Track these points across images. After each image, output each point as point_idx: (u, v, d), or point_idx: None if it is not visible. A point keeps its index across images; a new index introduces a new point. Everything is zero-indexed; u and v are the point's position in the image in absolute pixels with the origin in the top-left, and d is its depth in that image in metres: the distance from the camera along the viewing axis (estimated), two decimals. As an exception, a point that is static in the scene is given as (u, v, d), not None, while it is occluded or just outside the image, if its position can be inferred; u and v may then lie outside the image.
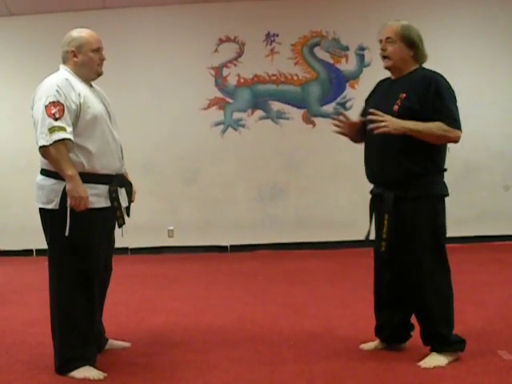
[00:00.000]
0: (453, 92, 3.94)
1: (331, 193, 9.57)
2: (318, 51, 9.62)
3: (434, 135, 3.84)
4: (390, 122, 3.79)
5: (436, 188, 3.98)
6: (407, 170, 3.89)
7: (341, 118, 4.30)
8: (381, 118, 3.81)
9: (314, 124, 9.62)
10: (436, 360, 3.90)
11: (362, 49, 9.52)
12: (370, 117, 3.89)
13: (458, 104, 3.94)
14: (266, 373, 3.85)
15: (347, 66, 9.60)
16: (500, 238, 9.38)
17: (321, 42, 9.60)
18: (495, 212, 9.42)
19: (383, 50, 4.06)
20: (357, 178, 9.20)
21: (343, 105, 9.56)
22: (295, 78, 9.64)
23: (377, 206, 4.13)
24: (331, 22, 9.55)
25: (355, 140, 4.38)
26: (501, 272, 7.06)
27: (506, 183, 9.50)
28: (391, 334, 4.21)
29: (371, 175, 4.19)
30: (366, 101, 4.42)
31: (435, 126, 3.82)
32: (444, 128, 3.82)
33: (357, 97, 9.45)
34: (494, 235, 9.36)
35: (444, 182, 4.03)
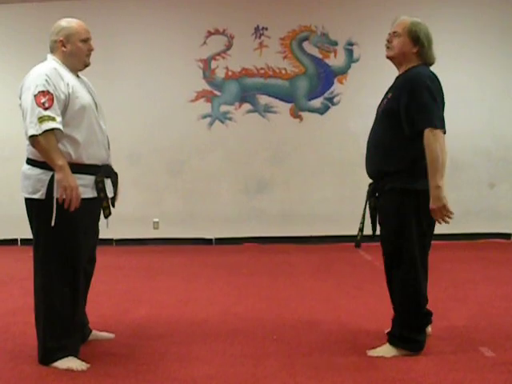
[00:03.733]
0: (429, 88, 3.85)
1: (317, 187, 9.59)
2: (306, 46, 9.63)
3: (437, 157, 3.75)
4: (440, 214, 3.81)
5: (405, 181, 3.90)
6: (380, 164, 3.94)
7: None
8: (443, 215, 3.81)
9: (301, 118, 9.63)
10: (385, 351, 4.01)
11: (351, 44, 9.53)
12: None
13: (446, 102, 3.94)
14: (248, 366, 3.86)
15: (336, 61, 9.61)
16: (484, 235, 9.44)
17: (310, 36, 9.60)
18: (480, 210, 9.47)
19: (388, 41, 4.06)
20: (343, 172, 9.35)
21: (331, 100, 9.57)
22: (283, 72, 9.64)
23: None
24: (320, 17, 9.56)
25: None
26: (484, 270, 7.10)
27: (492, 181, 9.55)
28: None
29: (366, 170, 4.22)
30: None
31: (430, 156, 3.75)
32: (431, 146, 3.76)
33: (345, 92, 9.50)
34: (479, 233, 9.42)
35: (420, 177, 3.87)
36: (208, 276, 7.04)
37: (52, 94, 3.70)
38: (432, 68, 4.07)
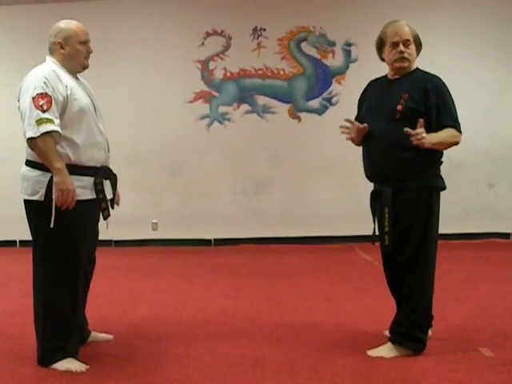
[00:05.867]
0: (451, 95, 4.01)
1: (316, 188, 9.59)
2: (304, 46, 9.62)
3: (447, 144, 3.95)
4: (428, 138, 3.83)
5: (432, 180, 4.02)
6: (406, 164, 3.93)
7: (347, 124, 4.25)
8: (423, 137, 3.81)
9: (299, 119, 9.63)
10: (385, 351, 4.02)
11: (349, 44, 9.53)
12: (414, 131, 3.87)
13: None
14: (247, 367, 3.86)
15: (334, 61, 9.61)
16: (483, 235, 9.44)
17: (308, 37, 9.60)
18: (479, 209, 9.47)
19: (404, 52, 4.04)
20: (342, 173, 9.35)
21: (329, 100, 9.57)
22: (282, 72, 9.64)
23: (377, 202, 4.14)
24: (318, 18, 9.55)
25: (358, 143, 4.33)
26: (483, 270, 7.10)
27: (490, 181, 9.54)
28: None
29: (372, 173, 4.18)
30: (360, 101, 4.39)
31: (447, 135, 3.92)
32: (453, 134, 3.93)
33: (343, 92, 9.49)
34: (477, 232, 9.41)
35: (441, 176, 4.09)
36: (207, 277, 7.04)
37: (50, 97, 3.69)
38: (429, 67, 4.12)
